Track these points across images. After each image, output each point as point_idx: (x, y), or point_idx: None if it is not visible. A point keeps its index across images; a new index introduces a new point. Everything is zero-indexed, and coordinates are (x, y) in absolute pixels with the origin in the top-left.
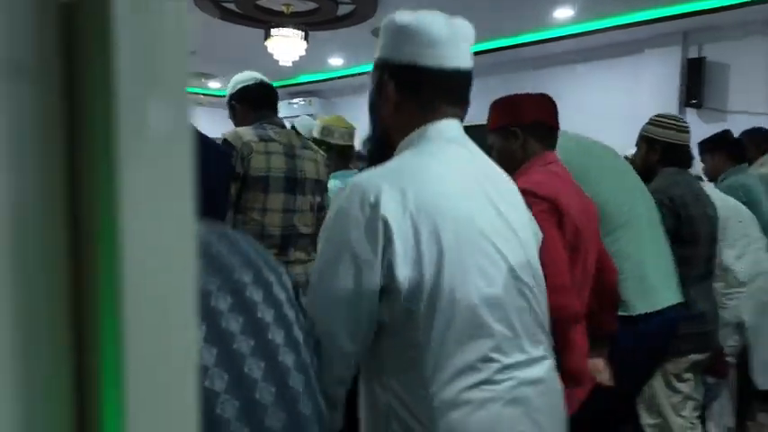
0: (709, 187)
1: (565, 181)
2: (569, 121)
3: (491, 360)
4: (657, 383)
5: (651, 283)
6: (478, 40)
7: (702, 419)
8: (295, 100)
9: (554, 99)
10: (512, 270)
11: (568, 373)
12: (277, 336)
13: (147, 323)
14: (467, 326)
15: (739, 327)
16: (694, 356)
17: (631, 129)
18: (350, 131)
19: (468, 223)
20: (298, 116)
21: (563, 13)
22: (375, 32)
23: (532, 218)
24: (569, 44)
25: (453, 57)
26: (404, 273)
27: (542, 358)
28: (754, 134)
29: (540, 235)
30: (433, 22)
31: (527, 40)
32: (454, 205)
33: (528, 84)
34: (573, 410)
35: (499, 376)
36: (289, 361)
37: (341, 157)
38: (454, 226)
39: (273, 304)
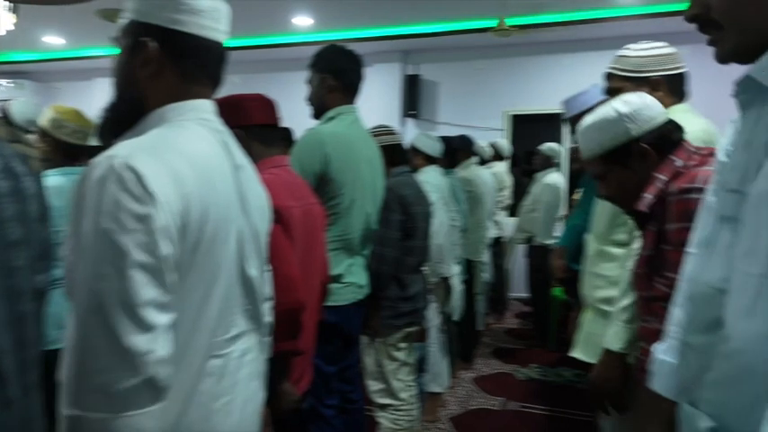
0: (438, 173)
1: (289, 184)
2: (310, 123)
3: (216, 336)
4: (380, 355)
5: (349, 279)
6: None
7: (422, 381)
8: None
9: (291, 101)
10: (242, 257)
11: (294, 350)
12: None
13: None
14: (208, 306)
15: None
16: (408, 329)
17: None
18: (85, 130)
19: (223, 212)
20: (6, 100)
21: (303, 21)
22: (101, 14)
23: (269, 210)
24: (310, 50)
25: (216, 29)
26: (166, 249)
27: (252, 331)
28: (461, 140)
29: (270, 225)
30: None
31: (268, 43)
32: (215, 192)
33: (270, 85)
34: (306, 383)
35: (218, 351)
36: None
37: (68, 155)
38: (210, 214)
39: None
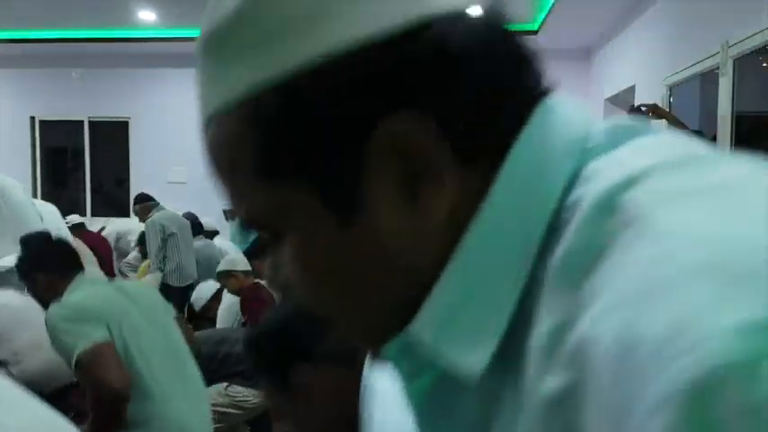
0: None
1: None
2: (156, 123)
3: None
4: None
5: None
6: (53, 26)
7: None
8: None
9: (138, 97)
10: None
11: None
12: None
13: None
14: None
15: None
16: None
17: None
18: None
19: None
20: None
21: (147, 15)
22: None
23: None
24: (158, 47)
25: None
26: None
27: None
28: None
29: None
30: None
31: (112, 36)
32: None
33: (115, 80)
34: None
35: None
36: None
37: None
38: None
39: None
